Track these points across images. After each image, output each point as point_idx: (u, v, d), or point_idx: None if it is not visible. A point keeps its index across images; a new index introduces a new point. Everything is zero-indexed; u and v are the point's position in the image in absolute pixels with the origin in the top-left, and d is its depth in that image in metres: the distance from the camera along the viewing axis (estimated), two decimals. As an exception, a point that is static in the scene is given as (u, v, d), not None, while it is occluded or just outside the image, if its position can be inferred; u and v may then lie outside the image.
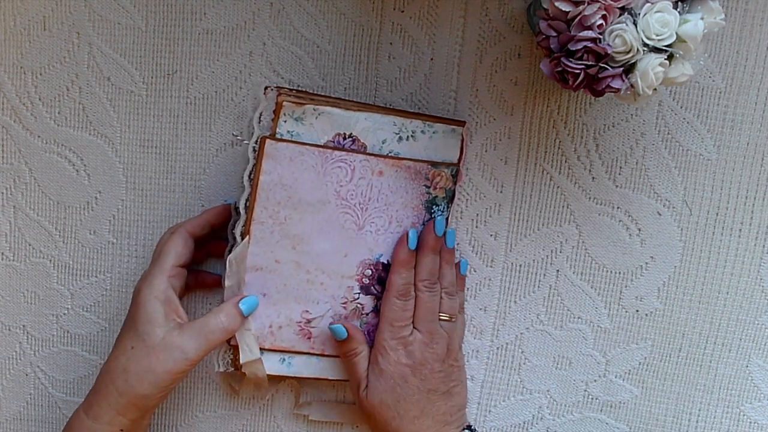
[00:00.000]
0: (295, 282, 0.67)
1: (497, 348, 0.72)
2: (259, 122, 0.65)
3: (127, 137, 0.70)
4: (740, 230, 0.69)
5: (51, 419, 0.75)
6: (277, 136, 0.64)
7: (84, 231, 0.72)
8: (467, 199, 0.70)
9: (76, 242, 0.72)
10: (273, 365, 0.68)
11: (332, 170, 0.65)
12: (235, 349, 0.67)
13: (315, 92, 0.68)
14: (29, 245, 0.72)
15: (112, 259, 0.72)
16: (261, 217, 0.65)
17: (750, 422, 0.72)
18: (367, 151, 0.66)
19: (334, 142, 0.65)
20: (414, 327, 0.66)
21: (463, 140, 0.67)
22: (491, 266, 0.71)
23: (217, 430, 0.74)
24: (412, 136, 0.66)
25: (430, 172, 0.67)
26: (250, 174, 0.65)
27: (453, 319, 0.68)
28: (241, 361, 0.67)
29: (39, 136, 0.71)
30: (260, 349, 0.67)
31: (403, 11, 0.68)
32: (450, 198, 0.68)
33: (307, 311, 0.67)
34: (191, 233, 0.67)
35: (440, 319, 0.67)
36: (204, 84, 0.69)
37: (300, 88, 0.68)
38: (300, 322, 0.67)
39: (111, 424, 0.62)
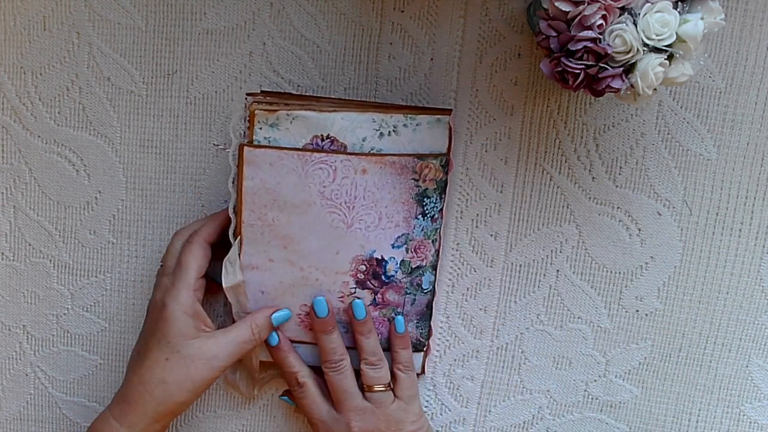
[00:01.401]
0: (291, 279, 0.67)
1: (497, 348, 0.72)
2: (234, 131, 0.65)
3: (127, 137, 0.70)
4: (740, 230, 0.69)
5: (51, 419, 0.75)
6: (255, 142, 0.64)
7: (84, 231, 0.72)
8: (467, 199, 0.70)
9: (76, 242, 0.72)
10: None
11: (314, 172, 0.65)
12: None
13: (289, 92, 0.68)
14: (29, 245, 0.72)
15: (112, 259, 0.72)
16: (249, 219, 0.66)
17: (750, 422, 0.72)
18: (348, 151, 0.65)
19: (312, 144, 0.65)
20: (338, 413, 0.67)
21: (450, 129, 0.67)
22: (491, 266, 0.71)
23: (217, 430, 0.74)
24: (394, 131, 0.66)
25: (417, 165, 0.66)
26: (234, 180, 0.66)
27: (388, 388, 0.68)
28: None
29: (39, 136, 0.71)
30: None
31: (403, 11, 0.68)
32: (442, 189, 0.67)
33: (306, 305, 0.68)
34: (209, 242, 0.67)
35: (375, 391, 0.67)
36: (204, 84, 0.69)
37: (274, 90, 0.68)
38: (300, 314, 0.68)
39: (145, 431, 0.65)
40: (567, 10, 0.54)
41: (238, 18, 0.68)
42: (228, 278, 0.66)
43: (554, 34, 0.55)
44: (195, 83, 0.69)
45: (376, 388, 0.67)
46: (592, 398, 0.73)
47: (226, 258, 0.66)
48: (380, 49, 0.68)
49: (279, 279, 0.67)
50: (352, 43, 0.68)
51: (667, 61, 0.55)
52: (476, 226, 0.70)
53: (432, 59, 0.68)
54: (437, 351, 0.72)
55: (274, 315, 0.67)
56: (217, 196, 0.71)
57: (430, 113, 0.66)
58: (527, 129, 0.69)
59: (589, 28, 0.54)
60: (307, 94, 0.69)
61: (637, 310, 0.71)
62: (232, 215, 0.66)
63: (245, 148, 0.64)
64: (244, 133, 0.65)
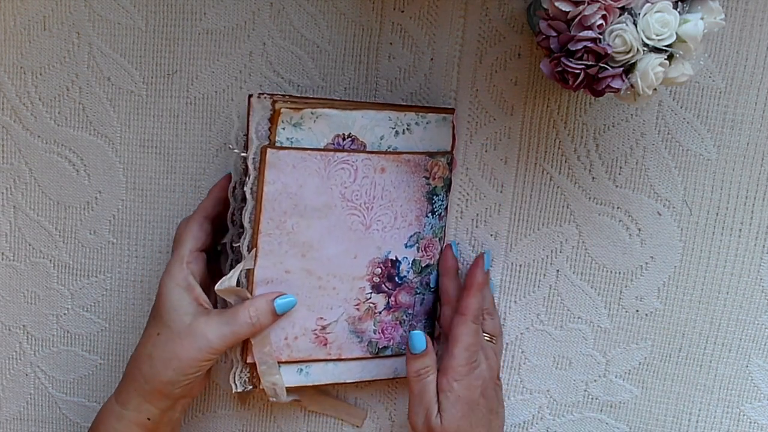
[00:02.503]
0: (307, 290, 0.65)
1: (497, 348, 0.72)
2: (256, 132, 0.62)
3: (127, 137, 0.70)
4: (740, 230, 0.69)
5: (51, 419, 0.75)
6: (277, 144, 0.62)
7: (84, 231, 0.72)
8: (467, 199, 0.70)
9: (76, 242, 0.72)
10: (291, 377, 0.67)
11: (336, 173, 0.64)
12: (252, 367, 0.66)
13: (305, 95, 0.67)
14: (29, 245, 0.72)
15: (112, 259, 0.72)
16: (268, 228, 0.63)
17: (750, 422, 0.72)
18: (367, 149, 0.65)
19: (333, 144, 0.64)
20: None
21: (453, 127, 0.67)
22: (491, 266, 0.71)
23: (217, 430, 0.74)
24: (407, 129, 0.66)
25: (428, 162, 0.66)
26: (253, 186, 0.62)
27: (495, 340, 0.68)
28: (262, 383, 0.66)
29: (39, 136, 0.71)
30: (277, 362, 0.66)
31: (403, 11, 0.68)
32: (447, 187, 0.68)
33: (322, 318, 0.66)
34: (206, 217, 0.65)
35: (487, 341, 0.68)
36: (204, 84, 0.69)
37: (286, 93, 0.68)
38: (315, 329, 0.66)
39: (138, 411, 0.62)
40: (567, 10, 0.54)
41: (238, 18, 0.68)
42: (223, 282, 0.63)
43: (554, 34, 0.55)
44: (195, 83, 0.69)
45: (486, 337, 0.68)
46: (592, 398, 0.73)
47: (237, 267, 0.63)
48: (380, 49, 0.68)
49: (295, 291, 0.65)
50: (352, 43, 0.68)
51: (667, 61, 0.55)
52: (476, 226, 0.70)
53: (432, 59, 0.68)
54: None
55: (277, 301, 0.63)
56: (217, 196, 0.71)
57: (437, 111, 0.66)
58: (527, 129, 0.69)
59: (589, 28, 0.54)
60: (306, 95, 0.69)
61: (637, 310, 0.71)
62: (247, 225, 0.63)
63: (269, 150, 0.61)
64: (242, 139, 0.64)
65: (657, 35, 0.54)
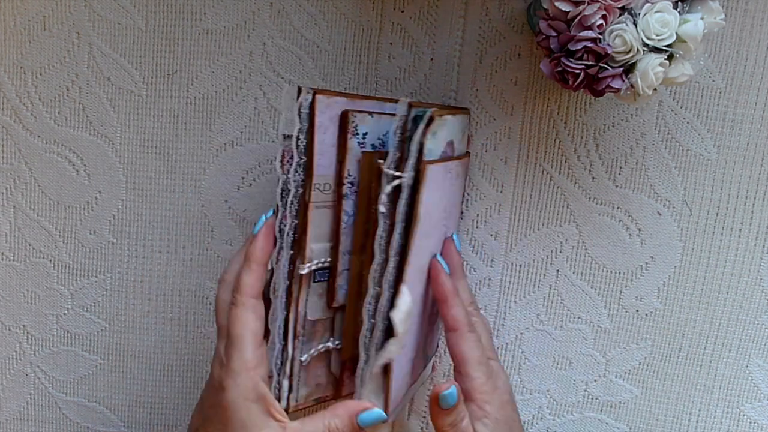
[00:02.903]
0: (418, 318, 0.58)
1: (497, 348, 0.72)
2: (418, 146, 0.53)
3: (127, 137, 0.70)
4: (740, 230, 0.69)
5: (51, 419, 0.75)
6: (426, 157, 0.53)
7: (84, 231, 0.72)
8: (467, 199, 0.70)
9: (76, 242, 0.72)
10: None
11: (446, 183, 0.58)
12: None
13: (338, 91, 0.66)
14: (29, 245, 0.72)
15: (112, 259, 0.72)
16: (412, 256, 0.53)
17: (750, 422, 0.72)
18: (456, 155, 0.60)
19: (445, 152, 0.57)
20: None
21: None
22: (491, 266, 0.71)
23: (217, 430, 0.74)
24: (465, 131, 0.64)
25: (468, 164, 0.65)
26: (406, 208, 0.53)
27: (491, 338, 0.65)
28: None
29: (39, 136, 0.71)
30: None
31: (403, 11, 0.68)
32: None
33: (418, 343, 0.60)
34: (256, 297, 0.55)
35: None
36: (204, 84, 0.69)
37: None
38: (413, 358, 0.59)
39: None
40: (567, 10, 0.54)
41: (238, 18, 0.68)
42: (396, 343, 0.53)
43: (554, 34, 0.55)
44: (195, 83, 0.69)
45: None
46: (592, 398, 0.73)
47: (397, 312, 0.53)
48: (380, 49, 0.68)
49: (413, 323, 0.56)
50: (352, 43, 0.68)
51: (667, 61, 0.55)
52: (476, 226, 0.70)
53: (432, 59, 0.68)
54: (439, 350, 0.72)
55: (361, 417, 0.54)
56: (217, 197, 0.71)
57: (464, 112, 0.65)
58: (527, 129, 0.69)
59: (589, 28, 0.54)
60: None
61: (637, 310, 0.71)
62: (392, 255, 0.53)
63: (428, 166, 0.52)
64: (303, 142, 0.55)
65: (657, 35, 0.54)
